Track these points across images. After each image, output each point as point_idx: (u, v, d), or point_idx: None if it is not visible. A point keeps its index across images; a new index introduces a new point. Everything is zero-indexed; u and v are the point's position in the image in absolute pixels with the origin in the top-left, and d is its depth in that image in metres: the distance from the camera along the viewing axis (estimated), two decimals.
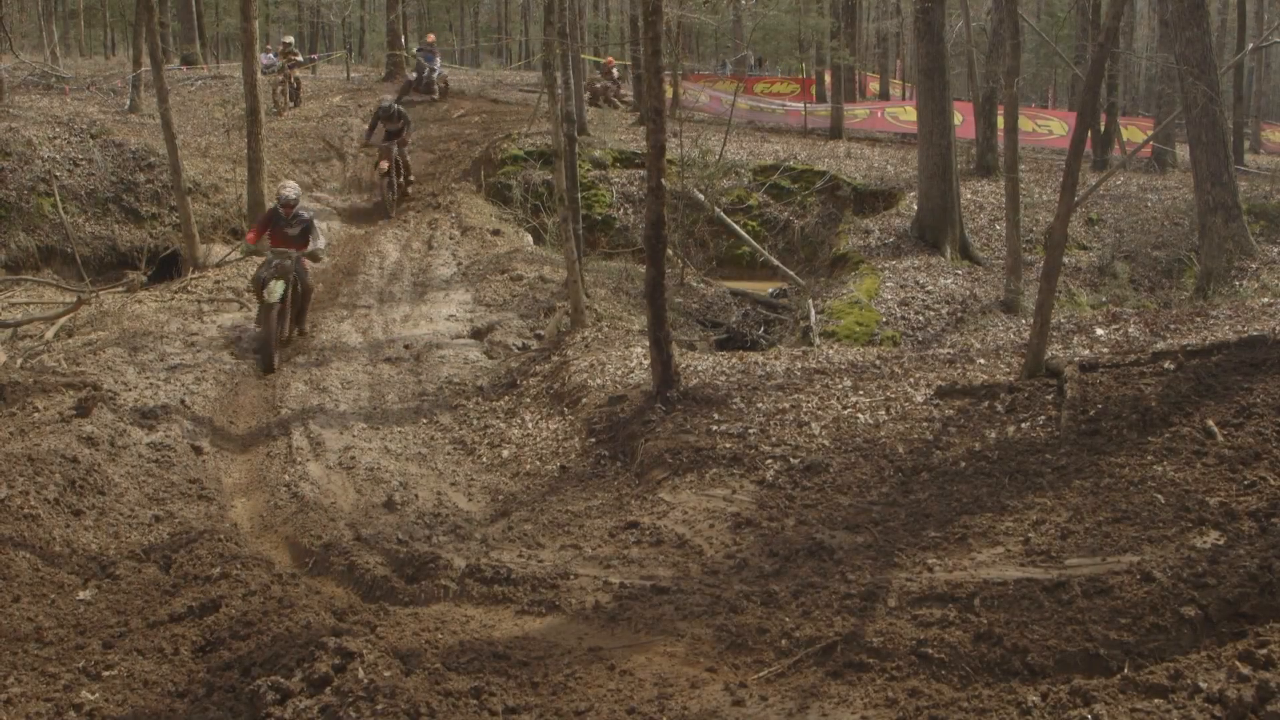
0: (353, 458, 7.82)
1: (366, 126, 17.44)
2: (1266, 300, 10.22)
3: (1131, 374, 6.93)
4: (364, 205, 17.34)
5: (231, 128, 18.25)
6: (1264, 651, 2.97)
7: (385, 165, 16.32)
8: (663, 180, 8.17)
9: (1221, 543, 4.57)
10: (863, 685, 3.84)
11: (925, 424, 7.03)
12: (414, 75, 23.42)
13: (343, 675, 3.64)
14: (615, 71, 27.50)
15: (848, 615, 4.48)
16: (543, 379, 9.65)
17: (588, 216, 16.05)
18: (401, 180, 17.03)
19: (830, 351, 9.87)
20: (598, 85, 26.12)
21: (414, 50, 25.69)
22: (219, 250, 14.42)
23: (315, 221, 11.07)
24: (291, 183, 11.28)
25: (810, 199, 17.72)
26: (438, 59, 23.85)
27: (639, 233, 15.37)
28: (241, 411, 9.02)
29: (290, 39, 25.53)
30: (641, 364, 9.09)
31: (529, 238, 15.92)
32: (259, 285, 10.35)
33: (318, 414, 8.80)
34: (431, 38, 25.80)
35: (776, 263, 15.32)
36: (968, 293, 13.63)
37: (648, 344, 8.56)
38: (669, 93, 19.65)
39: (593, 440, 8.02)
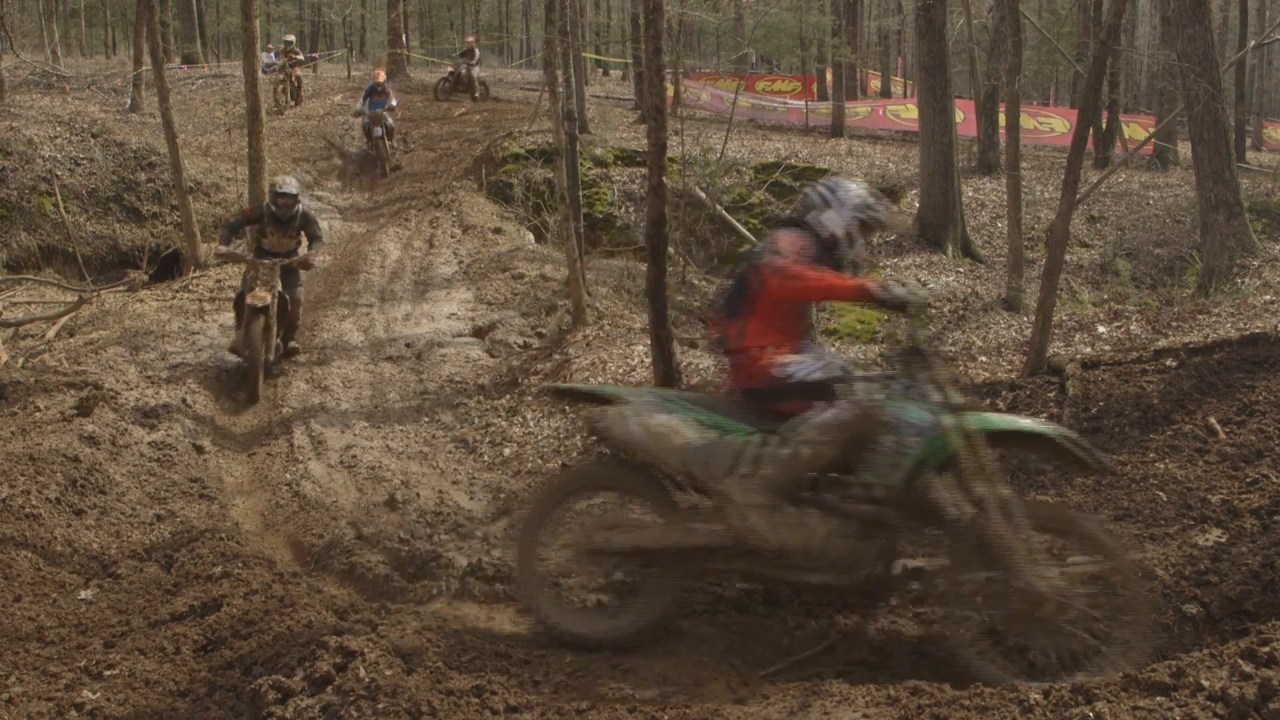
0: (354, 456, 7.82)
1: (229, 220, 9.70)
2: (1268, 298, 10.21)
3: (1133, 372, 6.93)
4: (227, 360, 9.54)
5: (232, 126, 18.28)
6: (1266, 649, 2.96)
7: (264, 298, 8.81)
8: (664, 178, 8.16)
9: (1224, 540, 4.56)
10: (865, 683, 3.83)
11: None
12: (378, 131, 18.65)
13: (344, 674, 3.63)
14: (478, 53, 24.83)
15: (850, 613, 4.48)
16: (544, 377, 9.65)
17: (589, 215, 16.05)
18: (280, 339, 9.44)
19: (832, 349, 9.86)
20: (462, 71, 23.83)
21: (357, 108, 19.47)
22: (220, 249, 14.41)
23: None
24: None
25: None
26: (390, 101, 19.19)
27: (640, 231, 15.37)
28: (243, 411, 9.02)
29: (292, 37, 25.53)
30: (643, 362, 9.09)
31: (530, 236, 15.92)
32: None
33: (319, 413, 8.80)
34: (381, 76, 19.95)
35: None
36: (969, 290, 13.62)
37: (649, 342, 8.55)
38: (670, 91, 19.63)
39: (594, 438, 8.01)
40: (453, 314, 11.92)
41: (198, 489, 6.97)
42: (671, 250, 12.23)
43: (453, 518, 6.70)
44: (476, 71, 24.25)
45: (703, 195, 15.66)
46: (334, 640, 3.83)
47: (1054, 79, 36.31)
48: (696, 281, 14.92)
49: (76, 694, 3.81)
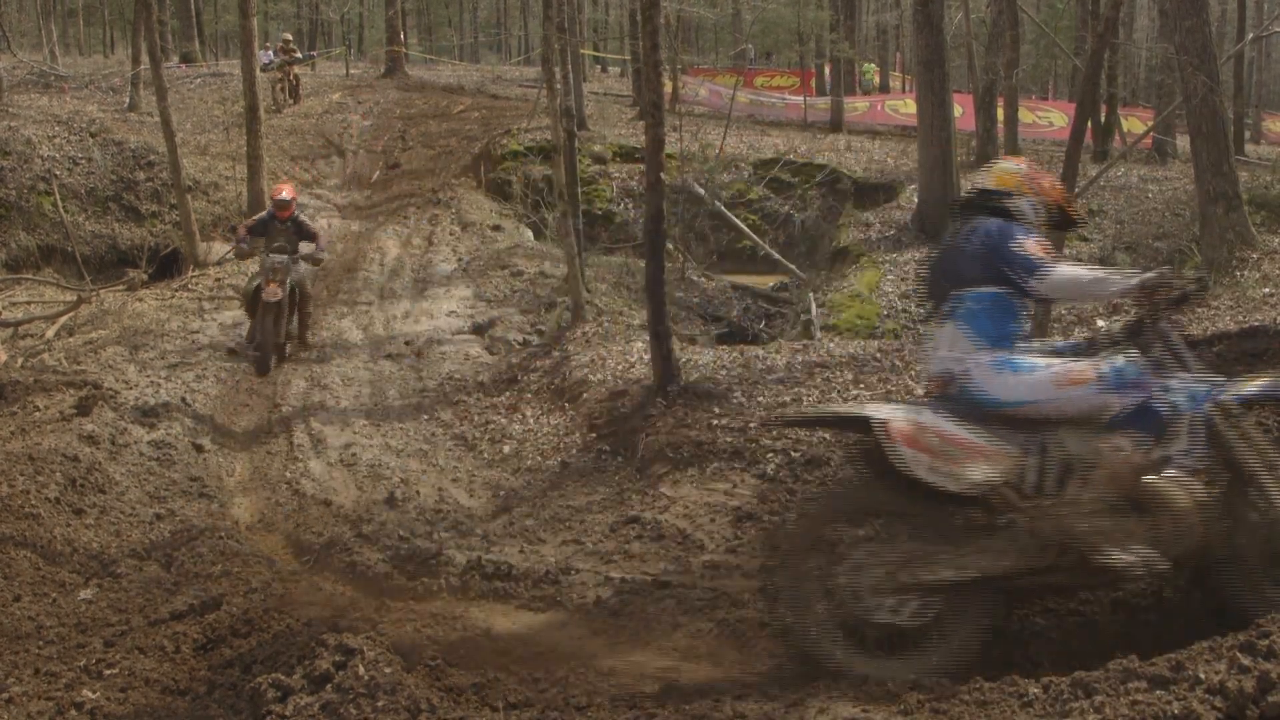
0: (354, 454, 7.82)
1: None
2: (1268, 290, 10.21)
3: None
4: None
5: (231, 125, 18.26)
6: (1265, 642, 2.96)
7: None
8: (662, 175, 8.17)
9: None
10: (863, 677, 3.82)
11: None
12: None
13: (344, 672, 3.63)
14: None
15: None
16: (543, 374, 9.65)
17: (588, 211, 16.03)
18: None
19: (831, 345, 9.85)
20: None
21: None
22: (219, 248, 14.39)
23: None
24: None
25: (811, 192, 17.70)
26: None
27: (639, 227, 15.37)
28: (242, 409, 9.02)
29: (290, 36, 25.46)
30: (642, 358, 9.08)
31: (529, 233, 15.91)
32: None
33: (319, 411, 8.80)
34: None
35: (777, 256, 15.33)
36: None
37: (648, 338, 8.55)
38: (668, 87, 19.61)
39: (594, 435, 8.01)
40: (452, 311, 11.91)
41: (197, 488, 6.98)
42: (670, 246, 12.23)
43: (452, 515, 6.71)
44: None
45: (701, 191, 15.66)
46: (333, 638, 3.83)
47: (1052, 73, 36.26)
48: (696, 278, 14.91)
49: (76, 693, 3.81)
